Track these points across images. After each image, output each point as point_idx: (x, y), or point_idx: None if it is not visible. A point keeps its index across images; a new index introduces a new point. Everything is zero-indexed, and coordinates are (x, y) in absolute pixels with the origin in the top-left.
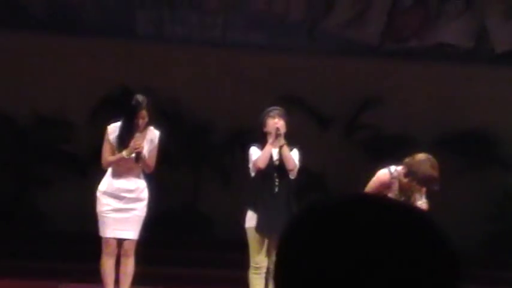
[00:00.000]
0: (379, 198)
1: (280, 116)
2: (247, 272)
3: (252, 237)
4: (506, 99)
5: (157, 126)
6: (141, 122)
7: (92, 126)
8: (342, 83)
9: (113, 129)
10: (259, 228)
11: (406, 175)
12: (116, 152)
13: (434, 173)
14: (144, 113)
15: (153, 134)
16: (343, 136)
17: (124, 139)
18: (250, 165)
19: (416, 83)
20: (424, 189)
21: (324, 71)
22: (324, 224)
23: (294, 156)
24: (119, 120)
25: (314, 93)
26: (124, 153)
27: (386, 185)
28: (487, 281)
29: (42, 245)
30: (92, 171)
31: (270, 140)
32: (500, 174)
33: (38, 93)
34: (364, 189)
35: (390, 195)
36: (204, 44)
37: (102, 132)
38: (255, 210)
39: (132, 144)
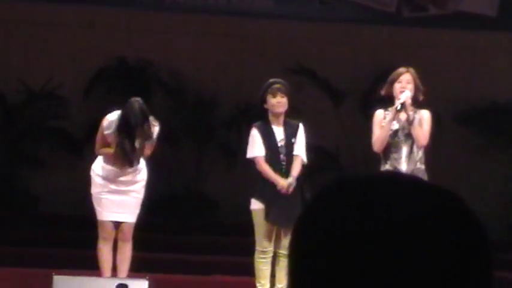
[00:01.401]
0: (402, 176)
1: (282, 92)
2: (253, 257)
3: (259, 221)
4: None
5: (158, 101)
6: (140, 142)
7: (87, 102)
8: (357, 53)
9: (109, 125)
10: (270, 220)
11: (385, 91)
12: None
13: (402, 69)
14: (144, 131)
15: (154, 130)
16: (358, 111)
17: (124, 150)
18: (248, 149)
19: (436, 53)
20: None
21: (337, 41)
22: (342, 210)
23: (300, 134)
24: (117, 109)
25: (326, 65)
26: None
27: (383, 117)
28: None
29: (35, 230)
30: (87, 150)
31: (390, 115)
32: None
33: (28, 66)
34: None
35: (391, 128)
36: (207, 12)
37: (99, 107)
38: (263, 200)
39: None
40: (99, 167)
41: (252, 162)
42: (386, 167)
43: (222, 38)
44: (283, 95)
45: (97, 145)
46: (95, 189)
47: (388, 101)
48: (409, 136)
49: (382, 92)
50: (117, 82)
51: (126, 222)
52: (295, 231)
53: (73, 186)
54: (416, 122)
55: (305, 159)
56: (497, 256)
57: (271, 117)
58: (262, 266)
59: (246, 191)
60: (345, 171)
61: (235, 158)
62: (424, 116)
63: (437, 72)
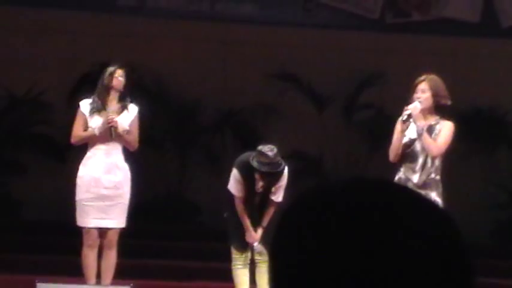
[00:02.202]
0: (379, 182)
1: (263, 179)
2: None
3: (233, 228)
4: None
5: (140, 106)
6: (116, 84)
7: (71, 107)
8: (340, 59)
9: (85, 102)
10: (241, 248)
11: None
12: (89, 119)
13: (419, 78)
14: (118, 79)
15: (131, 108)
16: (341, 117)
17: (98, 109)
18: (230, 184)
19: (419, 59)
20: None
21: (320, 46)
22: (321, 213)
23: (282, 179)
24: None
25: (310, 71)
26: (96, 129)
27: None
28: (497, 272)
29: (18, 236)
30: (71, 156)
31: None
32: (510, 156)
33: (11, 71)
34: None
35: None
36: (191, 18)
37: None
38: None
39: (104, 119)
40: (85, 170)
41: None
42: (400, 175)
43: (206, 44)
44: (264, 181)
45: (74, 129)
46: (80, 196)
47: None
48: (423, 149)
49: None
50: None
51: (111, 228)
52: (277, 233)
53: (56, 192)
54: (427, 133)
55: (280, 199)
56: (478, 262)
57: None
58: (240, 272)
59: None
60: (328, 176)
61: (218, 164)
62: (444, 126)
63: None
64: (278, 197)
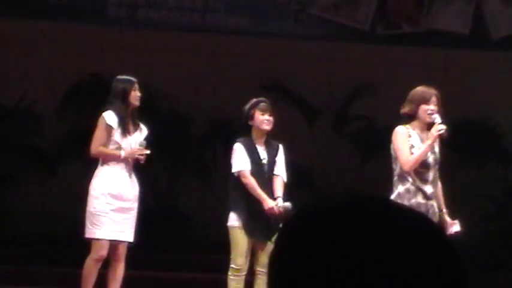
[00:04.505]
0: (371, 199)
1: (271, 111)
2: (227, 275)
3: (236, 237)
4: (504, 87)
5: (149, 127)
6: (136, 101)
7: (61, 118)
8: (331, 70)
9: (111, 115)
10: (250, 234)
11: (407, 109)
12: (120, 139)
13: (430, 89)
14: (136, 94)
15: (143, 129)
16: (332, 128)
17: (125, 126)
18: (233, 163)
19: (410, 71)
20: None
21: (311, 58)
22: (319, 230)
23: (280, 155)
24: (106, 108)
25: (301, 82)
26: (122, 152)
27: (407, 135)
28: (487, 283)
29: (6, 248)
30: (61, 168)
31: (431, 138)
32: (500, 168)
33: (0, 82)
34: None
35: (413, 150)
36: (182, 29)
37: (72, 124)
38: (243, 214)
39: (136, 149)
40: (106, 182)
41: (231, 177)
42: (407, 185)
43: (196, 55)
44: (271, 114)
45: (96, 142)
46: (98, 207)
47: (408, 119)
48: (436, 161)
49: (403, 110)
50: (90, 99)
51: (123, 242)
52: (275, 249)
53: (46, 203)
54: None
55: (285, 179)
56: (469, 273)
57: (254, 135)
58: (235, 284)
59: (220, 208)
60: (319, 188)
61: (210, 175)
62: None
63: (410, 90)
64: (282, 171)
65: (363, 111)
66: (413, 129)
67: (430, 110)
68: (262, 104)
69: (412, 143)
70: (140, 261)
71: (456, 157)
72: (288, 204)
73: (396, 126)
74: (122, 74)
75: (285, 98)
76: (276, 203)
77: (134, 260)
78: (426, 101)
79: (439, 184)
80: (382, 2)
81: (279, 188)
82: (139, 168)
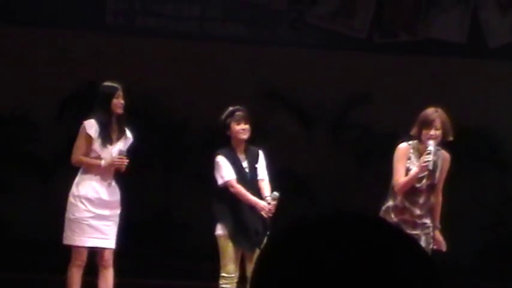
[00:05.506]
0: (362, 216)
1: (246, 119)
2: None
3: (224, 246)
4: (500, 96)
5: (128, 125)
6: (119, 108)
7: (58, 126)
8: (328, 79)
9: (91, 124)
10: (237, 244)
11: (414, 131)
12: (100, 148)
13: (434, 113)
14: (120, 102)
15: (128, 135)
16: (329, 136)
17: (107, 135)
18: (218, 176)
19: (406, 79)
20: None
21: (308, 66)
22: (305, 246)
23: (261, 160)
24: (89, 116)
25: (298, 90)
26: (102, 162)
27: (407, 155)
28: None
29: (4, 254)
30: (57, 175)
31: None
32: (498, 177)
33: None
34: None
35: (412, 167)
36: (180, 37)
37: (70, 132)
38: (229, 225)
39: (116, 159)
40: (85, 188)
41: (214, 189)
42: (396, 202)
43: (194, 63)
44: (247, 122)
45: (77, 152)
46: (76, 214)
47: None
48: (430, 186)
49: (411, 132)
50: (87, 107)
51: (107, 248)
52: (258, 266)
53: (43, 210)
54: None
55: (267, 176)
56: (464, 281)
57: (234, 144)
58: None
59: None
60: (316, 196)
61: (206, 183)
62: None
63: (407, 98)
64: (264, 174)
65: (360, 120)
66: (415, 151)
67: (428, 135)
68: (237, 113)
69: (409, 165)
70: (135, 269)
71: (453, 166)
72: (275, 193)
73: (394, 135)
74: (119, 82)
75: (281, 106)
76: (267, 201)
77: (129, 268)
78: (427, 126)
79: (440, 199)
80: (379, 11)
81: (266, 189)
82: (135, 177)
